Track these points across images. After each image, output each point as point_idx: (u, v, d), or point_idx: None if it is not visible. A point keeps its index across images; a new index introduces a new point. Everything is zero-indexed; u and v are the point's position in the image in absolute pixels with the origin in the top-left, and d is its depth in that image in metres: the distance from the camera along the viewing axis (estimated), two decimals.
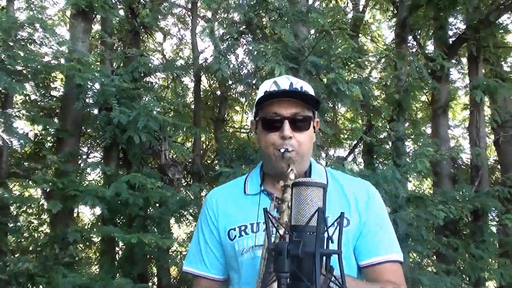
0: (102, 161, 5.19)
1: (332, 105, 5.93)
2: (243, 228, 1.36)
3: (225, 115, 7.02)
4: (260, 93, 1.40)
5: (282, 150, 1.29)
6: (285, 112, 1.31)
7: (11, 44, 4.18)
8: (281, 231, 0.99)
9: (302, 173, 1.39)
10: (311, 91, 1.40)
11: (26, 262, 3.78)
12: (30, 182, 4.45)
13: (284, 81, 1.39)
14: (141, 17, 5.15)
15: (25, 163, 4.90)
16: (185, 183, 6.01)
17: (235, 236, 1.37)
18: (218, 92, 6.71)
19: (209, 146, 7.13)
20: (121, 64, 5.18)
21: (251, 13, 4.91)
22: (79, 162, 4.94)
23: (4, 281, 3.67)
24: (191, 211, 4.88)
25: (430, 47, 7.25)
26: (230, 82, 6.25)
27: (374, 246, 1.33)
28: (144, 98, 4.98)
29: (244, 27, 5.20)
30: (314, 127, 1.39)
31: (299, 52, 4.52)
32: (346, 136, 7.37)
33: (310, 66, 4.34)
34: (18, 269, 3.67)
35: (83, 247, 4.93)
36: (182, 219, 5.06)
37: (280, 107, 1.31)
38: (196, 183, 5.34)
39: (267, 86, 1.40)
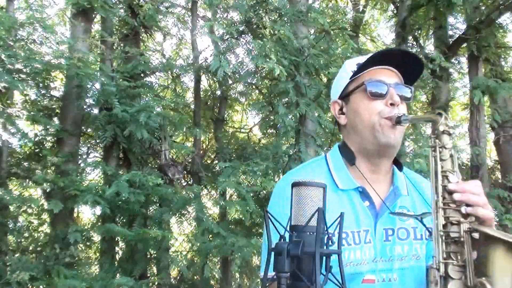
0: (102, 160, 5.19)
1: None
2: (343, 235, 1.17)
3: (225, 115, 7.02)
4: (348, 69, 1.29)
5: (399, 114, 1.18)
6: (389, 80, 1.23)
7: (11, 44, 4.18)
8: (282, 231, 0.98)
9: (397, 151, 1.28)
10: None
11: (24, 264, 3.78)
12: (30, 182, 4.45)
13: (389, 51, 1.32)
14: (143, 12, 5.14)
15: (25, 163, 4.90)
16: (185, 183, 6.02)
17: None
18: (218, 92, 6.71)
19: (209, 146, 7.12)
20: (121, 64, 5.19)
21: (251, 13, 4.92)
22: (79, 162, 4.95)
23: (4, 281, 3.67)
24: (190, 210, 4.89)
25: (430, 47, 7.25)
26: (230, 82, 6.25)
27: None
28: (144, 98, 4.98)
29: (244, 26, 5.20)
30: None
31: (299, 52, 4.52)
32: None
33: (310, 66, 4.35)
34: (18, 269, 3.67)
35: (83, 247, 4.93)
36: (183, 219, 5.06)
37: (382, 75, 1.23)
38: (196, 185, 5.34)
39: (358, 60, 1.29)
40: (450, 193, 1.02)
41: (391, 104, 1.20)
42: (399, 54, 1.28)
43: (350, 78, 1.27)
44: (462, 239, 0.99)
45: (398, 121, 1.18)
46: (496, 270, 0.92)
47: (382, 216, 1.24)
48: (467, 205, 1.01)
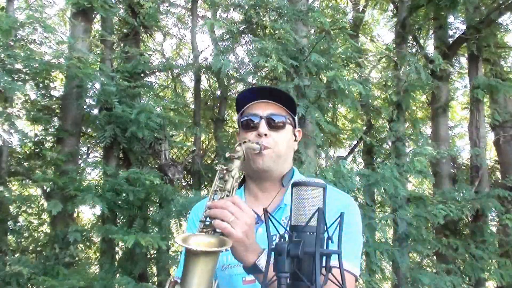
0: (102, 160, 5.19)
1: (332, 105, 5.94)
2: None
3: (225, 115, 7.02)
4: (238, 102, 1.47)
5: (255, 145, 1.32)
6: (262, 112, 1.39)
7: (11, 44, 4.19)
8: (282, 231, 0.99)
9: (279, 176, 1.43)
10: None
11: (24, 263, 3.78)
12: (30, 182, 4.45)
13: (261, 87, 1.53)
14: (143, 12, 5.15)
15: (25, 163, 4.91)
16: (185, 183, 6.02)
17: None
18: (218, 92, 6.71)
19: (209, 146, 7.12)
20: (121, 63, 5.19)
21: (251, 12, 4.92)
22: (79, 162, 4.95)
23: (4, 281, 3.67)
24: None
25: (430, 47, 7.25)
26: (231, 82, 6.25)
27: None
28: (144, 98, 4.98)
29: (244, 26, 5.20)
30: (295, 135, 1.47)
31: (299, 52, 4.52)
32: (346, 136, 7.37)
33: (311, 64, 4.34)
34: (18, 269, 3.67)
35: (83, 247, 4.93)
36: (183, 220, 5.05)
37: (258, 108, 1.40)
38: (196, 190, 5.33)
39: (243, 93, 1.49)
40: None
41: (258, 135, 1.37)
42: (273, 90, 1.46)
43: (238, 116, 1.46)
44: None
45: (256, 149, 1.33)
46: (191, 274, 1.08)
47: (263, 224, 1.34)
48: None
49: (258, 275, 1.17)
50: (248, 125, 1.40)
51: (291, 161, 1.47)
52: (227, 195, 1.22)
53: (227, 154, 1.28)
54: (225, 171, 1.25)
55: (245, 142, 1.28)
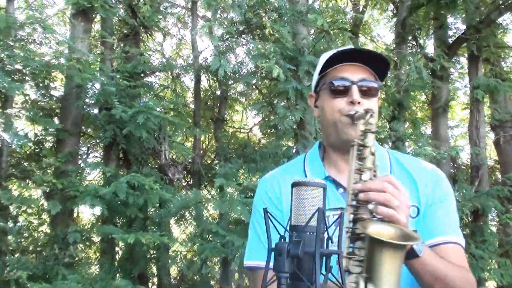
0: (102, 161, 5.19)
1: None
2: None
3: (225, 115, 7.02)
4: (321, 61, 1.32)
5: (352, 112, 1.21)
6: (353, 77, 1.25)
7: (11, 44, 4.19)
8: (282, 230, 0.98)
9: None
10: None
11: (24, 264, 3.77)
12: (29, 183, 4.45)
13: (347, 48, 1.31)
14: (142, 14, 5.15)
15: (25, 163, 4.90)
16: (185, 183, 6.02)
17: None
18: (218, 92, 6.71)
19: (209, 146, 7.12)
20: (121, 64, 5.19)
21: (250, 13, 4.92)
22: (79, 162, 4.95)
23: (4, 281, 3.67)
24: (191, 211, 4.89)
25: (430, 47, 7.25)
26: (230, 82, 6.25)
27: (439, 226, 1.24)
28: (144, 98, 4.98)
29: (244, 27, 5.21)
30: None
31: (298, 52, 4.52)
32: None
33: (309, 65, 4.34)
34: (17, 275, 3.66)
35: (83, 247, 4.93)
36: (182, 220, 5.06)
37: (347, 72, 1.25)
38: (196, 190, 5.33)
39: (328, 55, 1.31)
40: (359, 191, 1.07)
41: (351, 102, 1.23)
42: (366, 52, 1.31)
43: (319, 74, 1.31)
44: (363, 235, 1.03)
45: (353, 118, 1.21)
46: (381, 270, 0.97)
47: None
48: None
49: (412, 262, 1.07)
50: (337, 91, 1.25)
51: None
52: (374, 175, 1.10)
53: (361, 127, 1.13)
54: (362, 147, 1.12)
55: (371, 112, 1.14)
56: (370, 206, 1.04)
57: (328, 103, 1.27)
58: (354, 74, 1.25)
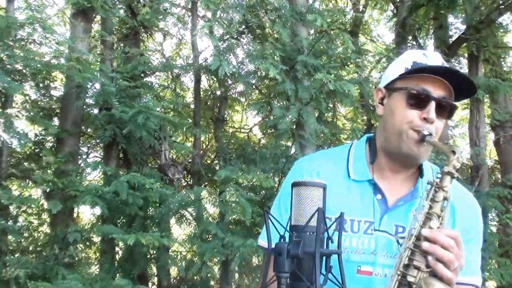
0: (102, 161, 5.19)
1: (332, 105, 5.93)
2: (344, 222, 1.20)
3: (225, 115, 7.02)
4: (405, 61, 1.24)
5: (425, 133, 1.14)
6: (435, 92, 1.17)
7: (11, 44, 4.18)
8: (282, 231, 0.98)
9: (419, 164, 1.27)
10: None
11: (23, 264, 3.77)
12: (29, 183, 4.45)
13: (436, 57, 1.24)
14: (141, 15, 5.14)
15: (25, 163, 4.91)
16: (185, 183, 6.02)
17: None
18: (218, 92, 6.71)
19: (209, 146, 7.12)
20: (121, 64, 5.19)
21: (250, 13, 4.92)
22: (79, 162, 4.95)
23: (4, 282, 3.67)
24: (191, 211, 4.88)
25: (430, 47, 7.25)
26: (229, 82, 6.25)
27: (465, 265, 1.15)
28: (143, 98, 4.98)
29: (243, 27, 5.20)
30: None
31: (298, 53, 4.52)
32: (346, 136, 7.37)
33: (302, 66, 4.34)
34: (15, 273, 3.66)
35: (83, 247, 4.93)
36: (182, 220, 5.05)
37: (431, 85, 1.17)
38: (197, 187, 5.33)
39: (415, 56, 1.23)
40: (424, 238, 1.03)
41: (425, 119, 1.17)
42: (455, 72, 1.23)
43: (400, 74, 1.22)
44: (414, 286, 1.01)
45: (422, 139, 1.16)
46: None
47: (392, 211, 1.23)
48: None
49: None
50: (415, 101, 1.17)
51: None
52: (441, 223, 1.05)
53: (445, 169, 1.06)
54: (438, 189, 1.06)
55: (455, 152, 1.08)
56: (431, 260, 1.01)
57: (400, 109, 1.20)
58: (437, 90, 1.18)
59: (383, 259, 1.19)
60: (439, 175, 1.09)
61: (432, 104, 1.16)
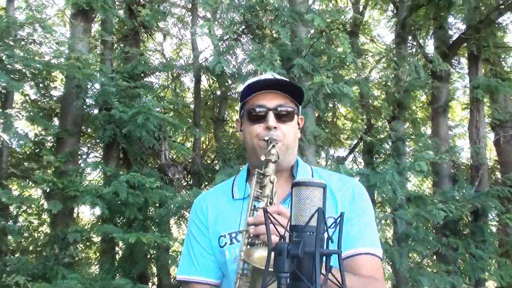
0: (102, 161, 5.19)
1: (332, 105, 5.94)
2: (233, 235, 1.34)
3: (225, 115, 7.02)
4: (243, 89, 1.41)
5: (266, 138, 1.30)
6: (269, 104, 1.33)
7: (11, 44, 4.19)
8: (281, 231, 0.99)
9: (289, 167, 1.41)
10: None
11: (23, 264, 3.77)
12: (30, 183, 4.46)
13: (267, 76, 1.42)
14: (141, 16, 5.14)
15: (25, 163, 4.91)
16: (185, 183, 6.02)
17: (225, 243, 1.34)
18: (218, 92, 6.71)
19: (209, 146, 7.13)
20: (121, 64, 5.19)
21: (249, 13, 4.92)
22: (79, 162, 4.95)
23: (4, 283, 3.67)
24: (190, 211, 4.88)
25: (430, 47, 7.26)
26: (229, 82, 6.25)
27: (353, 239, 1.29)
28: (144, 98, 4.98)
29: (243, 27, 5.20)
30: (298, 123, 1.42)
31: (296, 53, 4.52)
32: (346, 136, 7.37)
33: (299, 69, 4.35)
34: (17, 270, 3.67)
35: (83, 247, 4.94)
36: (182, 220, 5.06)
37: (264, 99, 1.34)
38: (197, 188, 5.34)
39: (248, 82, 1.40)
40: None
41: (267, 128, 1.32)
42: (282, 81, 1.39)
43: (241, 101, 1.40)
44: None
45: (268, 143, 1.30)
46: None
47: None
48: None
49: None
50: (255, 117, 1.35)
51: (296, 151, 1.45)
52: (270, 202, 1.19)
53: (262, 157, 1.24)
54: (261, 176, 1.22)
55: (274, 142, 1.26)
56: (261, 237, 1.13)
57: (248, 128, 1.36)
58: (271, 101, 1.34)
59: None
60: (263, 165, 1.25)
61: (270, 114, 1.33)
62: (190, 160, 5.72)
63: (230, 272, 1.31)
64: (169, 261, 4.89)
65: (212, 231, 1.39)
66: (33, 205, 4.70)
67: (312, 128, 4.49)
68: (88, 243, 4.95)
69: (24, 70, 4.38)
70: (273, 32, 4.76)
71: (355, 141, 7.16)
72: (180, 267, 1.45)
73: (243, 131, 1.41)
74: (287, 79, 1.44)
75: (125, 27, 5.59)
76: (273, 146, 1.24)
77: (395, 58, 6.08)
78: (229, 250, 1.33)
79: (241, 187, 1.43)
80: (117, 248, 5.10)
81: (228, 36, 5.18)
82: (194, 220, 1.45)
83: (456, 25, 6.64)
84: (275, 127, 1.32)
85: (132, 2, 5.45)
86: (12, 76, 4.11)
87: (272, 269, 0.86)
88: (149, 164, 5.43)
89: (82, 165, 4.97)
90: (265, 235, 1.06)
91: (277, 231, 0.91)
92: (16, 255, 4.33)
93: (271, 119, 1.32)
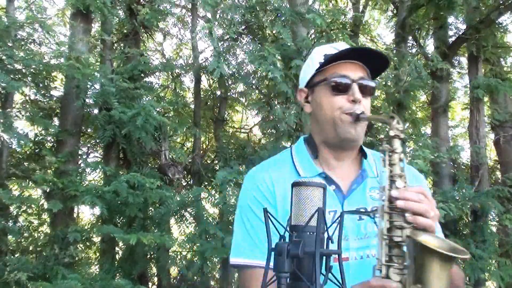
0: (102, 160, 5.19)
1: None
2: None
3: (225, 115, 7.02)
4: (317, 57, 1.31)
5: (358, 112, 1.22)
6: (353, 75, 1.25)
7: (10, 44, 4.19)
8: (282, 231, 0.98)
9: (359, 145, 1.34)
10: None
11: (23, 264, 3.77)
12: (30, 183, 4.46)
13: (343, 45, 1.31)
14: (141, 15, 5.14)
15: (25, 163, 4.91)
16: (185, 183, 6.02)
17: None
18: (218, 92, 6.71)
19: (209, 146, 7.12)
20: (121, 64, 5.18)
21: (249, 14, 4.92)
22: (79, 162, 4.95)
23: (4, 282, 3.67)
24: (191, 211, 4.88)
25: (430, 47, 7.25)
26: (229, 82, 6.25)
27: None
28: (144, 98, 4.98)
29: (243, 27, 5.20)
30: None
31: (297, 53, 4.52)
32: None
33: (298, 70, 4.35)
34: (17, 270, 3.66)
35: (83, 247, 4.93)
36: (182, 220, 5.05)
37: (347, 70, 1.26)
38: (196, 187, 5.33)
39: (325, 50, 1.31)
40: (395, 199, 1.08)
41: (353, 101, 1.24)
42: (365, 50, 1.33)
43: (316, 70, 1.29)
44: (404, 243, 1.06)
45: (357, 118, 1.22)
46: (432, 277, 0.99)
47: (350, 196, 1.28)
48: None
49: None
50: (337, 88, 1.25)
51: None
52: (405, 182, 1.11)
53: (391, 133, 1.13)
54: (391, 152, 1.12)
55: (393, 117, 1.14)
56: (409, 216, 1.05)
57: (327, 99, 1.27)
58: (354, 73, 1.26)
59: (354, 243, 1.23)
60: (385, 141, 1.15)
61: (355, 86, 1.24)
62: (190, 160, 5.72)
63: None
64: (169, 261, 4.89)
65: (282, 207, 1.23)
66: (33, 205, 4.70)
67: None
68: (88, 243, 4.95)
69: (24, 70, 4.37)
70: (274, 32, 4.75)
71: None
72: (238, 250, 1.27)
73: (318, 102, 1.30)
74: (369, 49, 1.36)
75: (125, 26, 5.58)
76: (398, 121, 1.13)
77: (395, 58, 6.08)
78: None
79: (307, 163, 1.31)
80: (117, 248, 5.10)
81: (228, 36, 5.18)
82: (256, 195, 1.28)
83: (456, 25, 6.64)
84: (360, 101, 1.24)
85: (132, 1, 5.44)
86: (12, 76, 4.11)
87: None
88: (149, 164, 5.43)
89: (82, 165, 4.97)
90: (413, 216, 1.04)
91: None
92: (16, 255, 4.33)
93: (357, 91, 1.24)
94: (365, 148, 1.37)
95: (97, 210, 4.59)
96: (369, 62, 1.29)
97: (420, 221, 1.05)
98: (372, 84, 1.28)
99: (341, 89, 1.25)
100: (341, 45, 1.31)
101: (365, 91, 1.26)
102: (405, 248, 1.06)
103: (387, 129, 1.16)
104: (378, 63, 1.31)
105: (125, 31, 5.68)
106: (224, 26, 5.19)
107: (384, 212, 1.09)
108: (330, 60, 1.26)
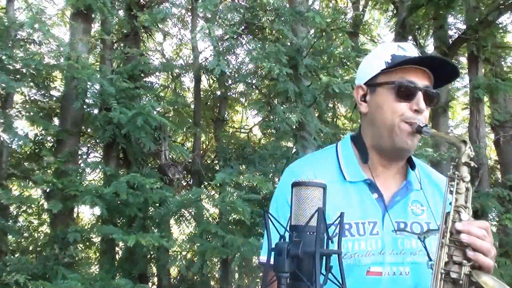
0: (102, 161, 5.19)
1: (332, 105, 5.93)
2: (346, 226, 1.17)
3: (225, 115, 7.02)
4: (383, 56, 1.23)
5: (421, 124, 1.15)
6: (419, 83, 1.18)
7: (10, 45, 4.18)
8: (282, 231, 0.98)
9: (410, 154, 1.27)
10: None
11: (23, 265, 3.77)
12: (29, 183, 4.46)
13: (412, 48, 1.24)
14: (140, 21, 5.13)
15: (25, 163, 4.91)
16: (185, 183, 6.02)
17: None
18: (218, 92, 6.71)
19: (209, 146, 7.12)
20: (121, 64, 5.18)
21: (249, 13, 4.92)
22: (79, 162, 4.95)
23: (4, 282, 3.67)
24: (191, 211, 4.88)
25: (430, 47, 7.25)
26: (230, 82, 6.25)
27: None
28: (144, 98, 4.98)
29: (243, 27, 5.20)
30: None
31: (297, 52, 4.52)
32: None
33: (305, 69, 4.35)
34: (17, 270, 3.66)
35: (83, 247, 4.93)
36: (182, 220, 5.05)
37: (414, 76, 1.18)
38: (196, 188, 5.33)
39: (392, 50, 1.23)
40: (458, 231, 1.03)
41: (416, 110, 1.17)
42: (437, 59, 1.24)
43: (382, 70, 1.22)
44: (461, 281, 1.01)
45: (418, 130, 1.16)
46: None
47: (392, 208, 1.23)
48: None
49: None
50: (402, 94, 1.17)
51: None
52: (469, 214, 1.06)
53: (463, 159, 1.07)
54: (459, 180, 1.06)
55: (466, 141, 1.08)
56: (470, 252, 1.01)
57: (389, 103, 1.19)
58: (421, 80, 1.19)
59: (390, 258, 1.19)
60: (453, 167, 1.10)
61: (420, 95, 1.17)
62: (190, 160, 5.72)
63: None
64: (169, 261, 4.88)
65: None
66: (33, 205, 4.70)
67: (315, 125, 4.48)
68: (88, 243, 4.94)
69: (24, 70, 4.37)
70: (274, 32, 4.75)
71: None
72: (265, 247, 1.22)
73: (378, 104, 1.22)
74: (444, 58, 1.26)
75: (125, 27, 5.58)
76: (470, 147, 1.08)
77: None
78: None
79: (353, 166, 1.25)
80: (117, 248, 5.09)
81: (228, 36, 5.18)
82: (277, 206, 1.24)
83: (456, 25, 6.65)
84: (422, 112, 1.17)
85: (132, 3, 5.43)
86: (12, 76, 4.11)
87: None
88: (149, 164, 5.43)
89: (82, 165, 4.97)
90: (474, 253, 0.99)
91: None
92: (16, 255, 4.33)
93: (422, 101, 1.16)
94: (414, 159, 1.31)
95: (97, 210, 4.58)
96: (434, 70, 1.21)
97: (481, 260, 1.00)
98: (435, 93, 1.21)
99: (406, 95, 1.18)
100: (408, 46, 1.24)
101: (428, 101, 1.19)
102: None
103: (455, 153, 1.09)
104: (444, 72, 1.23)
105: (125, 31, 5.67)
106: (224, 26, 5.19)
107: (444, 244, 1.04)
108: (401, 63, 1.19)
